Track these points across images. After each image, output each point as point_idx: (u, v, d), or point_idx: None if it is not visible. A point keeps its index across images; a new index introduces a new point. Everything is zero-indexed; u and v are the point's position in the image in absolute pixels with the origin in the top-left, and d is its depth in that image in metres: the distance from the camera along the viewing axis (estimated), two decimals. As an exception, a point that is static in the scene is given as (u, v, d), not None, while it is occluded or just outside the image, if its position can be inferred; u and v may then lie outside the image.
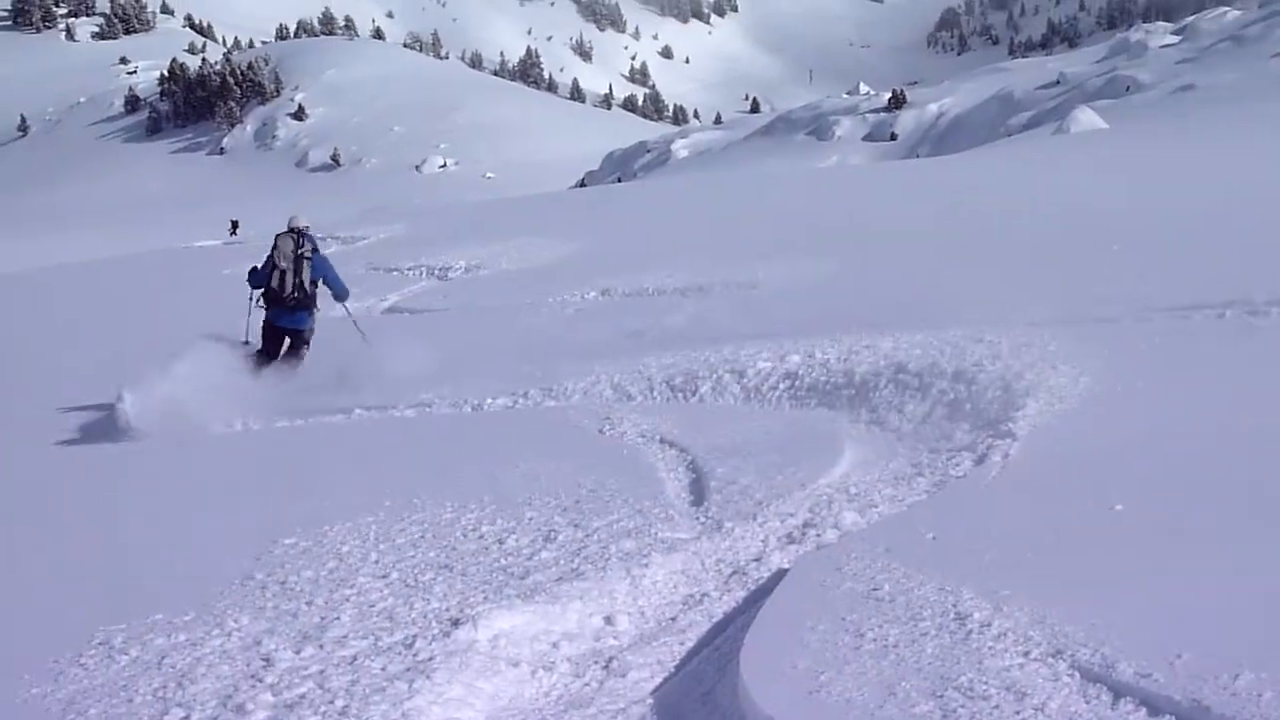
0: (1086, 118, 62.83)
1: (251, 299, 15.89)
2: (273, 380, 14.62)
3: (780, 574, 6.27)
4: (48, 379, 17.86)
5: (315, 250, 15.76)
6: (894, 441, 8.90)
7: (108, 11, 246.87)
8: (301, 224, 15.95)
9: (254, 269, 15.74)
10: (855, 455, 8.38)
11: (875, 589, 5.62)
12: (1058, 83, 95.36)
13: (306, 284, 15.45)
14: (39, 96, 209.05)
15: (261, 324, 15.69)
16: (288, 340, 15.69)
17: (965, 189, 31.98)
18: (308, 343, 15.71)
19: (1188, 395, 8.65)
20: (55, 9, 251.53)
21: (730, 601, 6.20)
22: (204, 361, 14.53)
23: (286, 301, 15.39)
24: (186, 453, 11.75)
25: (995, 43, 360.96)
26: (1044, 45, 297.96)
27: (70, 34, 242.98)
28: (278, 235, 15.68)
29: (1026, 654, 4.82)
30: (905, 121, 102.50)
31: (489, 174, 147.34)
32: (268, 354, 15.63)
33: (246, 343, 15.75)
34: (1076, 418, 8.31)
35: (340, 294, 16.07)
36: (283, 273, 15.35)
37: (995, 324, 11.62)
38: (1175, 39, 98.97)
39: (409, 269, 27.51)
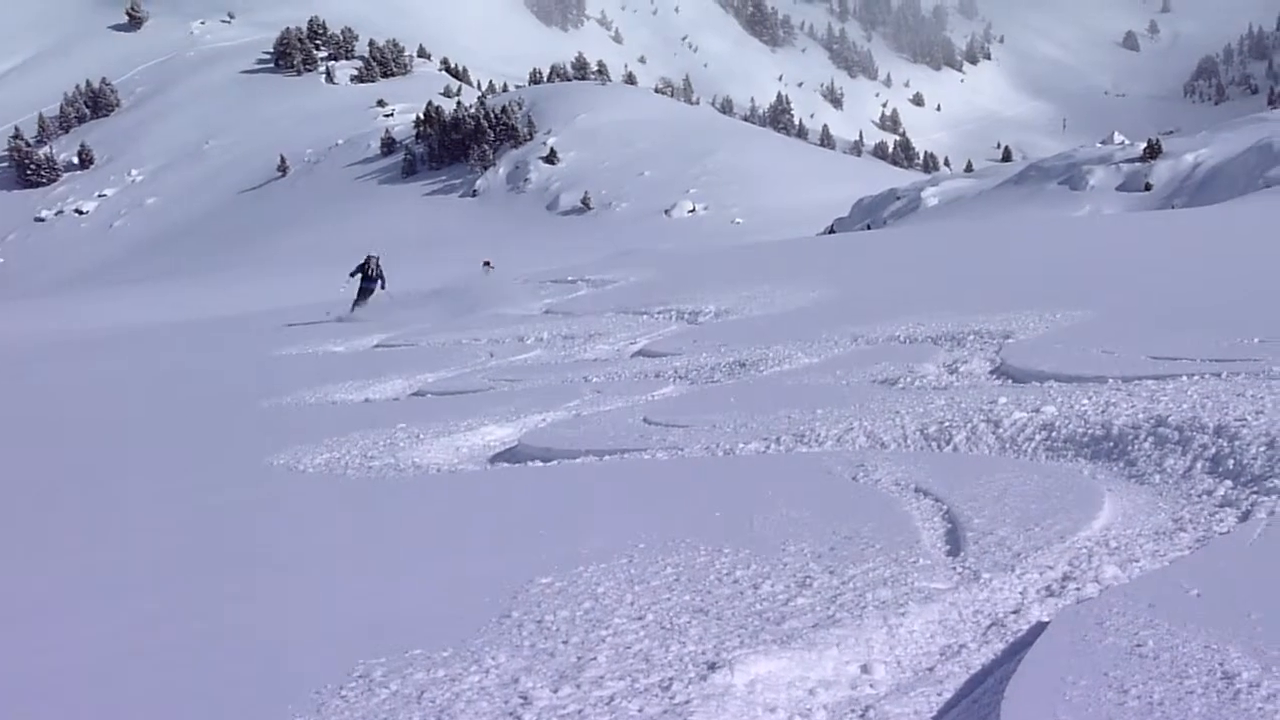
0: (1350, 168, 61.27)
1: (352, 276, 41.98)
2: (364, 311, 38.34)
3: (1039, 627, 6.16)
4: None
5: (379, 264, 41.17)
6: (1154, 496, 8.70)
7: (366, 55, 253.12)
8: (375, 255, 41.98)
9: (359, 265, 41.51)
10: (1115, 509, 8.21)
11: (1139, 645, 5.50)
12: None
13: (376, 274, 40.78)
14: (298, 138, 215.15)
15: (358, 289, 40.90)
16: (367, 297, 40.14)
17: (1223, 240, 31.32)
18: (372, 293, 40.42)
19: None
20: (316, 53, 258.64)
21: (989, 653, 6.10)
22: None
23: (372, 278, 40.67)
24: (443, 491, 11.95)
25: (1254, 92, 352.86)
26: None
27: (330, 77, 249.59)
28: (367, 256, 41.96)
29: (1298, 717, 4.70)
30: (1160, 172, 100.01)
31: (738, 219, 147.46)
32: (359, 301, 39.82)
33: (342, 288, 43.36)
34: (1346, 476, 8.07)
35: (384, 284, 41.13)
36: (372, 270, 40.86)
37: (1257, 378, 11.38)
38: None
39: (658, 312, 27.65)
